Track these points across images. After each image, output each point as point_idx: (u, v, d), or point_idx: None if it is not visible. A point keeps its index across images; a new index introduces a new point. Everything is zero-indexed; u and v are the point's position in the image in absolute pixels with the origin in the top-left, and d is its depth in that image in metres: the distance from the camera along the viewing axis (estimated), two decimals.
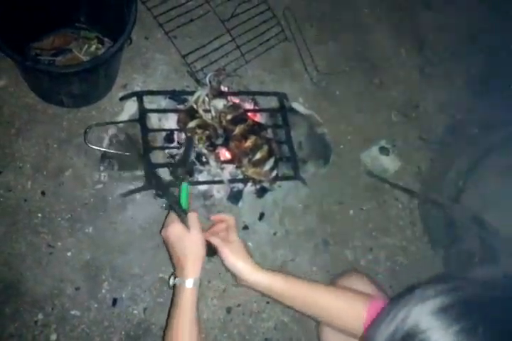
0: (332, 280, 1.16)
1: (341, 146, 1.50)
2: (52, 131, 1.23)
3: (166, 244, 0.96)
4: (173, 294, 0.91)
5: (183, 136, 1.28)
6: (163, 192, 0.96)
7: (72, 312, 1.12)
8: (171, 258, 0.96)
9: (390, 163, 1.52)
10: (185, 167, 1.06)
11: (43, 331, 1.09)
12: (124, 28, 1.07)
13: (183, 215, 0.93)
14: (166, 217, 0.98)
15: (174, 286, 0.91)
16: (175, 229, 0.90)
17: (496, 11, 1.84)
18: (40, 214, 1.16)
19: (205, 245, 0.92)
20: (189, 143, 1.11)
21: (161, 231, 0.96)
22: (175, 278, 0.91)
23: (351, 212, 1.44)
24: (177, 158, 1.21)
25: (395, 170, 1.53)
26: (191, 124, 1.26)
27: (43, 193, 1.18)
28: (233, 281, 1.01)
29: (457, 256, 1.48)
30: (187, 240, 0.89)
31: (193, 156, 1.22)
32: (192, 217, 0.92)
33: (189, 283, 0.87)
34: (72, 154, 1.22)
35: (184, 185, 0.95)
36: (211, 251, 0.95)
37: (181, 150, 1.05)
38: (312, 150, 1.46)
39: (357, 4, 1.74)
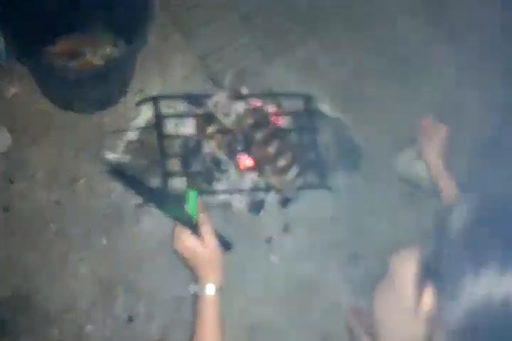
0: None
1: (372, 151, 1.45)
2: (67, 138, 1.25)
3: (179, 256, 0.92)
4: (194, 303, 0.89)
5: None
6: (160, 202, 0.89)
7: (87, 328, 1.12)
8: (187, 266, 0.93)
9: (426, 169, 1.46)
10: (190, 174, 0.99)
11: None
12: (139, 29, 1.07)
13: (192, 225, 0.89)
14: (174, 229, 0.93)
15: (195, 295, 0.88)
16: (187, 243, 0.88)
17: None
18: (54, 225, 1.18)
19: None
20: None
21: (173, 245, 0.92)
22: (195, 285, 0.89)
23: (384, 223, 1.39)
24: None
25: (431, 177, 1.47)
26: (210, 129, 1.26)
27: (57, 203, 1.19)
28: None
29: None
30: (202, 251, 0.87)
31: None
32: (205, 227, 0.89)
33: (210, 290, 0.85)
34: (87, 162, 1.23)
35: (193, 193, 0.89)
36: (226, 246, 0.94)
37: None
38: (340, 156, 1.42)
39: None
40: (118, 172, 0.91)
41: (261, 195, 1.30)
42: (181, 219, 0.88)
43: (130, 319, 1.14)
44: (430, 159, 1.21)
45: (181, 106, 1.32)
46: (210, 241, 0.87)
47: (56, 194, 1.20)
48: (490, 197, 0.59)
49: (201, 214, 0.90)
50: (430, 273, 0.59)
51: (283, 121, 1.37)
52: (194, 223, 0.88)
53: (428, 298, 0.56)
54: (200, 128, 1.27)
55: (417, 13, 1.70)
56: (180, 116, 1.31)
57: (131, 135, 1.26)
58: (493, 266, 0.52)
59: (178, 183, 1.24)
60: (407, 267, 0.95)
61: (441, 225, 0.59)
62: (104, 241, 1.18)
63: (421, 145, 1.24)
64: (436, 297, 0.55)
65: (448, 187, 1.16)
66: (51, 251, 1.16)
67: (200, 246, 0.87)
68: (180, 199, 0.88)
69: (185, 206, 0.88)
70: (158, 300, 1.17)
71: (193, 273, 0.91)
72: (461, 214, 0.55)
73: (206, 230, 0.88)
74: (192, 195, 0.89)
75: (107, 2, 1.23)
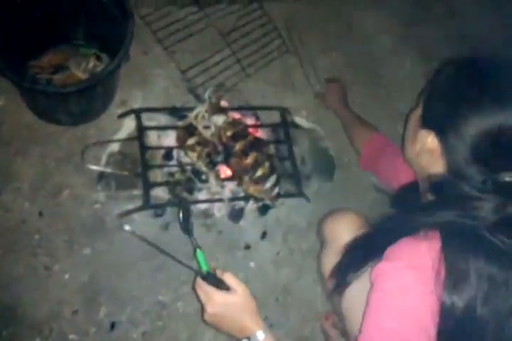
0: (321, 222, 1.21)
1: (346, 160, 1.52)
2: (51, 151, 1.28)
3: (215, 322, 0.88)
4: None
5: (182, 153, 1.31)
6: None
7: (70, 337, 1.14)
8: (224, 330, 0.90)
9: None
10: (190, 236, 0.99)
11: None
12: (121, 44, 1.11)
13: (216, 280, 0.88)
14: (198, 299, 0.89)
15: None
16: (220, 299, 0.85)
17: (501, 21, 1.87)
18: (37, 236, 1.20)
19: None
20: (185, 211, 1.02)
21: (204, 314, 0.87)
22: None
23: None
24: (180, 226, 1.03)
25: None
26: (190, 141, 1.29)
27: (40, 214, 1.22)
28: None
29: None
30: (236, 300, 0.86)
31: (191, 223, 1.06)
32: (228, 276, 0.88)
33: (261, 336, 0.84)
34: (70, 174, 1.26)
35: (199, 252, 0.92)
36: None
37: (180, 217, 0.99)
38: (315, 166, 1.48)
39: (360, 15, 1.78)
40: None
41: (240, 204, 1.35)
42: (205, 278, 0.88)
43: (112, 326, 1.17)
44: (333, 105, 1.51)
45: (163, 119, 1.37)
46: (239, 286, 0.87)
47: (40, 205, 1.22)
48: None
49: (219, 271, 0.90)
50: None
51: (261, 133, 1.43)
52: (217, 278, 0.88)
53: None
54: (181, 140, 1.31)
55: (389, 29, 1.79)
56: (161, 128, 1.35)
57: (114, 147, 1.30)
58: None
59: (159, 193, 1.28)
60: (340, 230, 1.09)
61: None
62: (88, 251, 1.21)
63: (326, 98, 1.53)
64: (438, 138, 0.81)
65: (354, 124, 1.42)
66: (34, 261, 1.17)
67: (232, 297, 0.85)
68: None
69: (200, 267, 0.90)
70: (140, 307, 1.20)
71: (237, 335, 0.87)
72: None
73: (230, 279, 0.87)
74: (200, 254, 0.92)
75: (90, 17, 1.27)
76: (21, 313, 1.13)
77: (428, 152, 0.84)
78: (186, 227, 1.00)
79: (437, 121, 0.83)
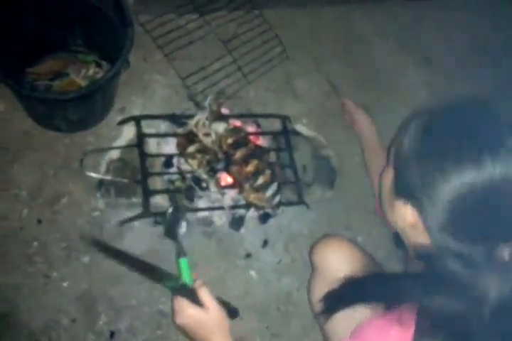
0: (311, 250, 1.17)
1: (347, 169, 1.54)
2: (49, 157, 1.29)
3: (184, 330, 0.89)
4: None
5: (182, 160, 1.33)
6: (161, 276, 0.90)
7: None
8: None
9: None
10: (176, 241, 0.95)
11: None
12: (121, 51, 1.13)
13: (191, 294, 0.88)
14: (172, 303, 0.91)
15: None
16: (190, 312, 0.86)
17: (496, 23, 1.91)
18: (35, 243, 1.21)
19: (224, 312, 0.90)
20: (175, 212, 0.99)
21: (174, 320, 0.89)
22: None
23: (359, 238, 1.47)
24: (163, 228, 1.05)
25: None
26: (191, 149, 1.31)
27: (39, 221, 1.23)
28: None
29: None
30: (207, 317, 0.86)
31: (182, 228, 1.07)
32: (203, 292, 0.88)
33: None
34: (68, 181, 1.28)
35: (183, 261, 0.91)
36: (232, 313, 0.96)
37: (166, 218, 0.95)
38: (317, 174, 1.50)
39: (360, 22, 1.81)
40: (105, 248, 0.94)
41: (241, 212, 1.36)
42: (177, 290, 0.88)
43: (112, 336, 1.18)
44: (363, 128, 1.45)
45: (163, 126, 1.39)
46: (211, 304, 0.86)
47: (38, 212, 1.23)
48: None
49: (197, 280, 0.91)
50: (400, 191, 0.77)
51: (262, 141, 1.45)
52: (190, 290, 0.88)
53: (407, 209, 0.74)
54: (181, 147, 1.33)
55: (388, 37, 1.83)
56: (161, 135, 1.36)
57: (113, 154, 1.32)
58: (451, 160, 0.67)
59: (159, 201, 1.30)
60: (331, 258, 1.09)
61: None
62: (87, 259, 1.22)
63: (352, 120, 1.49)
64: (416, 210, 0.73)
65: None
66: (32, 269, 1.18)
67: (203, 313, 0.85)
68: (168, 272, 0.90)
69: (180, 276, 0.90)
70: (139, 316, 1.21)
71: None
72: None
73: (204, 294, 0.87)
74: (183, 262, 0.91)
75: (89, 24, 1.30)
76: (19, 322, 1.14)
77: (410, 226, 0.76)
78: (173, 230, 0.95)
79: (409, 190, 0.73)
